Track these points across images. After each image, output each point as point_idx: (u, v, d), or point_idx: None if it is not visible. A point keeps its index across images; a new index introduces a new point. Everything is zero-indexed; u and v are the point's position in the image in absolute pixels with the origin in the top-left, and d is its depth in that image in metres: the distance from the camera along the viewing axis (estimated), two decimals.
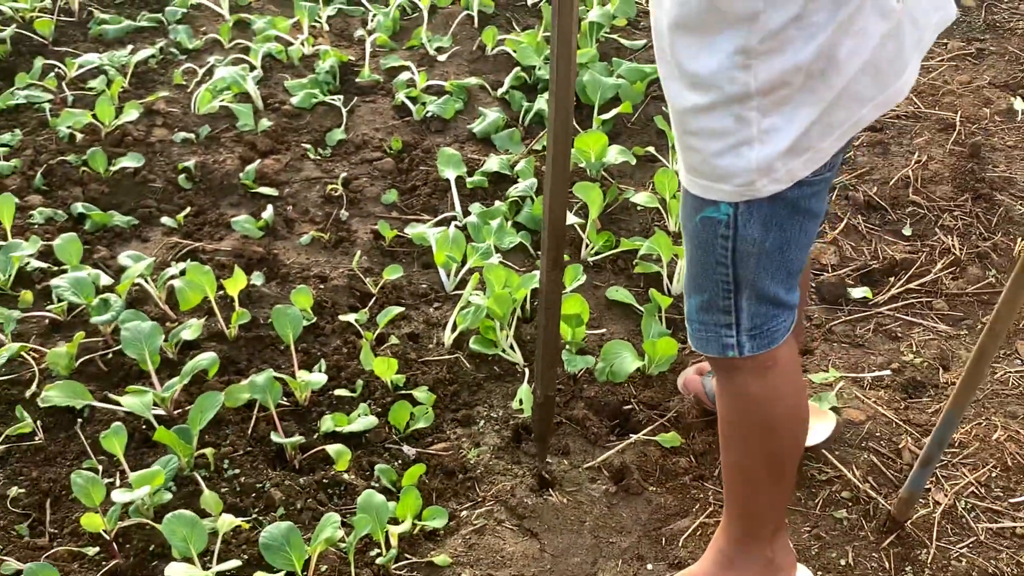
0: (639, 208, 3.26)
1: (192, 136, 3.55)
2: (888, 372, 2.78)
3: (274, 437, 2.47)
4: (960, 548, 2.33)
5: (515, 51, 3.91)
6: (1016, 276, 1.87)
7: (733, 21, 1.55)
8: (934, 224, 3.24)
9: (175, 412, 2.55)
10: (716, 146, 1.65)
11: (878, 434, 2.59)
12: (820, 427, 2.42)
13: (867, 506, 2.42)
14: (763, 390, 1.93)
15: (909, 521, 2.37)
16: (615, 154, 3.36)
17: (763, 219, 1.72)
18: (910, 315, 2.95)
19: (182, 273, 2.87)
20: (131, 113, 3.55)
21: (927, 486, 2.35)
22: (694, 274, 1.87)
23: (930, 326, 2.92)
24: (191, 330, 2.71)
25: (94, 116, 3.53)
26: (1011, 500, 2.44)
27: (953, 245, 3.16)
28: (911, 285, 3.04)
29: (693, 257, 1.84)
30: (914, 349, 2.84)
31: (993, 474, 2.50)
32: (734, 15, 1.54)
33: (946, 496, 2.44)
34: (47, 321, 2.82)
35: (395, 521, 2.26)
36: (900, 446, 2.56)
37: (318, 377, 2.60)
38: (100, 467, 2.41)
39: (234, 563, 2.13)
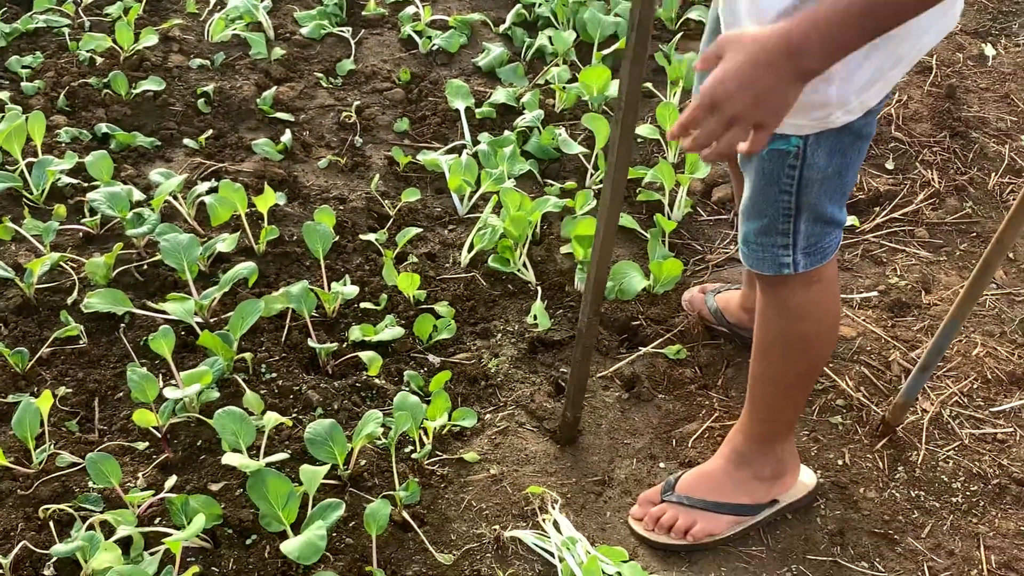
0: (640, 140, 3.33)
1: (207, 62, 3.56)
2: (875, 293, 2.88)
3: (310, 343, 2.53)
4: (947, 451, 2.45)
5: None
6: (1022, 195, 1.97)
7: None
8: (915, 159, 3.33)
9: (211, 320, 2.60)
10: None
11: (868, 348, 2.69)
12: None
13: (860, 412, 2.53)
14: (807, 303, 1.96)
15: (900, 426, 2.49)
16: (617, 88, 3.42)
17: (830, 148, 1.74)
18: (894, 242, 3.05)
19: (212, 191, 2.91)
20: (149, 39, 3.55)
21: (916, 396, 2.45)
22: (755, 202, 1.87)
23: (912, 252, 3.01)
24: (226, 243, 2.76)
25: (113, 40, 3.53)
26: (991, 409, 2.56)
27: (932, 178, 3.25)
28: (895, 215, 3.13)
29: (756, 187, 1.84)
30: (898, 273, 2.93)
31: (975, 386, 2.61)
32: None
33: (933, 405, 2.55)
34: (81, 234, 2.86)
35: (426, 421, 2.34)
36: (889, 359, 2.66)
37: (350, 289, 2.66)
38: (144, 368, 2.46)
39: (281, 455, 2.19)
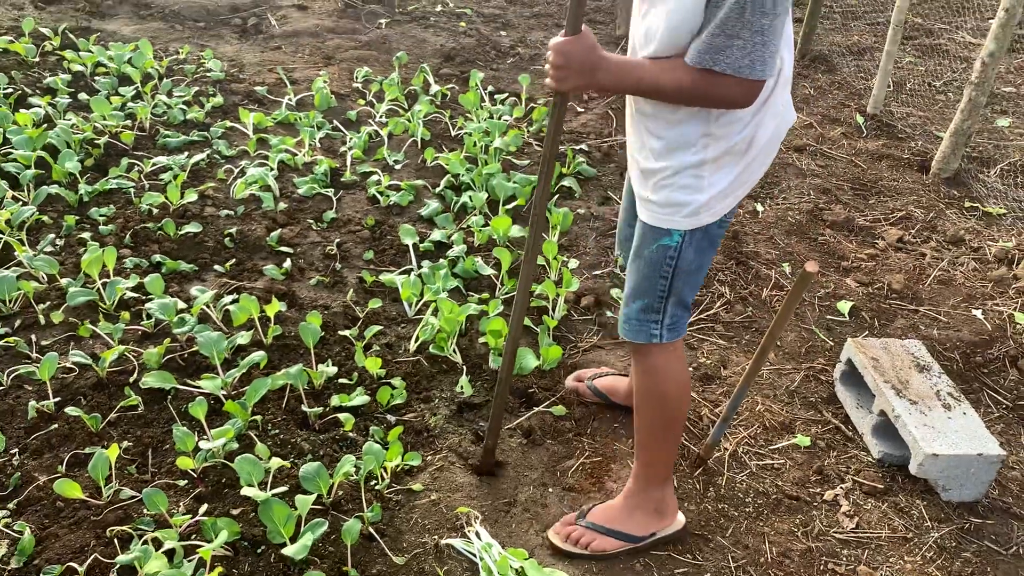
0: None
1: (232, 212, 3.55)
2: (689, 369, 2.94)
3: (303, 408, 2.50)
4: (741, 476, 2.49)
5: (446, 164, 4.00)
6: (786, 302, 2.05)
7: (702, 119, 1.71)
8: (713, 279, 3.43)
9: (233, 393, 2.56)
10: (679, 193, 1.77)
11: None
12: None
13: (683, 451, 2.55)
14: (665, 367, 1.98)
15: (710, 460, 2.53)
16: (516, 231, 3.49)
17: (696, 246, 1.82)
18: (701, 335, 3.12)
19: (234, 301, 2.88)
20: (190, 196, 3.53)
21: (720, 439, 2.51)
22: (640, 286, 1.91)
23: (714, 341, 3.08)
24: (244, 338, 2.73)
25: (166, 197, 3.51)
26: (770, 447, 2.61)
27: (725, 292, 3.36)
28: (701, 315, 3.20)
29: (642, 274, 1.89)
30: (705, 355, 3.00)
31: (758, 431, 2.66)
32: (704, 118, 1.71)
33: (731, 444, 2.60)
34: (140, 332, 2.80)
35: (386, 462, 2.31)
36: (701, 413, 2.70)
37: (331, 369, 2.64)
38: (185, 427, 2.41)
39: (282, 488, 2.15)
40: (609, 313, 3.18)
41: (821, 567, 2.21)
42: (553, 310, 3.12)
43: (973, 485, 2.42)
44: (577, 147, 4.41)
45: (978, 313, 3.29)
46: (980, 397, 2.88)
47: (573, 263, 3.38)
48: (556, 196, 3.95)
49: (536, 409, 2.66)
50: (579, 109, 4.95)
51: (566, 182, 4.02)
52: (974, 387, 2.92)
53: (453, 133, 4.46)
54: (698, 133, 1.73)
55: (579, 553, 2.16)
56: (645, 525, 2.18)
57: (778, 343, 3.10)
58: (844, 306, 3.29)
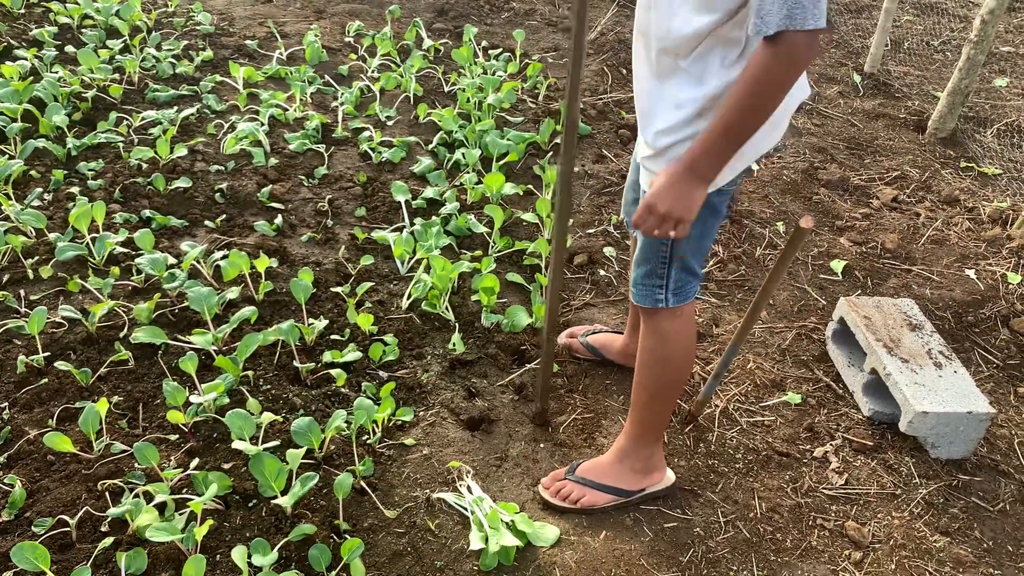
0: (525, 223, 3.36)
1: (223, 168, 3.50)
2: None
3: (295, 363, 2.49)
4: (731, 433, 2.50)
5: (439, 120, 3.95)
6: (780, 258, 2.03)
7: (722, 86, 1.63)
8: None
9: (224, 348, 2.54)
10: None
11: None
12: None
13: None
14: (671, 330, 1.97)
15: (701, 416, 2.54)
16: (509, 188, 3.46)
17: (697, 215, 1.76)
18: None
19: (224, 257, 2.85)
20: (180, 151, 3.48)
21: (711, 396, 2.51)
22: (643, 252, 1.90)
23: (706, 300, 3.08)
24: (234, 293, 2.70)
25: (155, 152, 3.46)
26: (760, 405, 2.62)
27: (719, 251, 3.34)
28: None
29: (645, 242, 1.87)
30: (697, 313, 3.00)
31: (749, 389, 2.66)
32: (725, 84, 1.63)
33: (722, 401, 2.60)
34: (130, 287, 2.77)
35: (377, 415, 2.31)
36: (692, 371, 2.72)
37: (322, 323, 2.63)
38: (175, 382, 2.40)
39: (274, 443, 2.15)
40: (602, 272, 3.16)
41: (810, 522, 2.22)
42: (546, 268, 3.10)
43: (962, 442, 2.43)
44: None
45: (971, 273, 3.28)
46: (971, 356, 2.88)
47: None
48: (550, 153, 3.91)
49: (528, 366, 2.66)
50: None
51: (560, 140, 3.96)
52: (965, 346, 2.93)
53: (446, 89, 4.40)
54: (715, 100, 1.64)
55: (568, 507, 2.17)
56: (635, 480, 2.19)
57: (771, 301, 3.09)
58: (837, 265, 3.28)
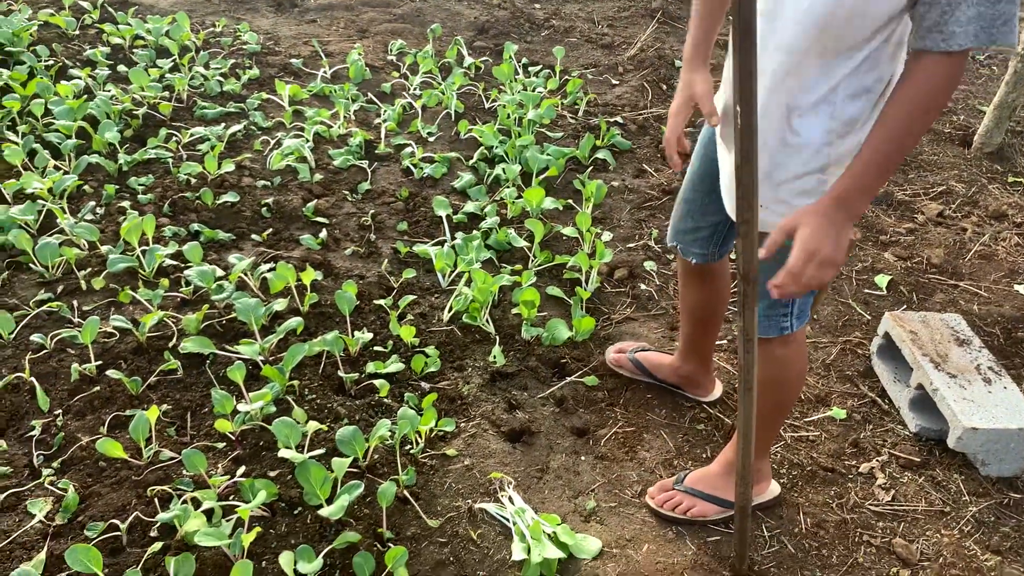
0: (565, 237, 3.37)
1: (269, 183, 3.56)
2: (725, 341, 2.92)
3: (339, 374, 2.52)
4: (776, 447, 2.47)
5: (480, 136, 3.99)
6: None
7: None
8: None
9: (271, 358, 2.58)
10: (804, 199, 1.62)
11: (721, 378, 2.73)
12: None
13: (717, 422, 2.54)
14: (787, 355, 1.93)
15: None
16: (549, 203, 3.47)
17: None
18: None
19: (271, 269, 2.90)
20: (228, 167, 3.55)
21: None
22: (765, 286, 1.74)
23: None
24: (280, 305, 2.74)
25: (203, 167, 3.53)
26: (805, 420, 2.59)
27: None
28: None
29: (769, 274, 1.69)
30: None
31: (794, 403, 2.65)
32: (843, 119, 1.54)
33: None
34: (179, 299, 2.83)
35: (420, 427, 2.32)
36: (735, 384, 2.69)
37: (367, 335, 2.66)
38: (223, 391, 2.43)
39: (319, 451, 2.18)
40: (643, 286, 3.16)
41: (856, 538, 2.19)
42: (586, 282, 3.11)
43: (1013, 460, 2.38)
44: (611, 119, 4.37)
45: (1021, 288, 3.22)
46: (1022, 372, 2.82)
47: (607, 235, 3.36)
48: (590, 168, 3.92)
49: (569, 379, 2.66)
50: (614, 82, 4.89)
51: (600, 154, 3.98)
52: (1015, 362, 2.87)
53: (487, 105, 4.44)
54: (871, 104, 1.53)
55: (679, 518, 2.16)
56: None
57: (815, 316, 3.06)
58: (882, 280, 3.24)
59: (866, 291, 3.21)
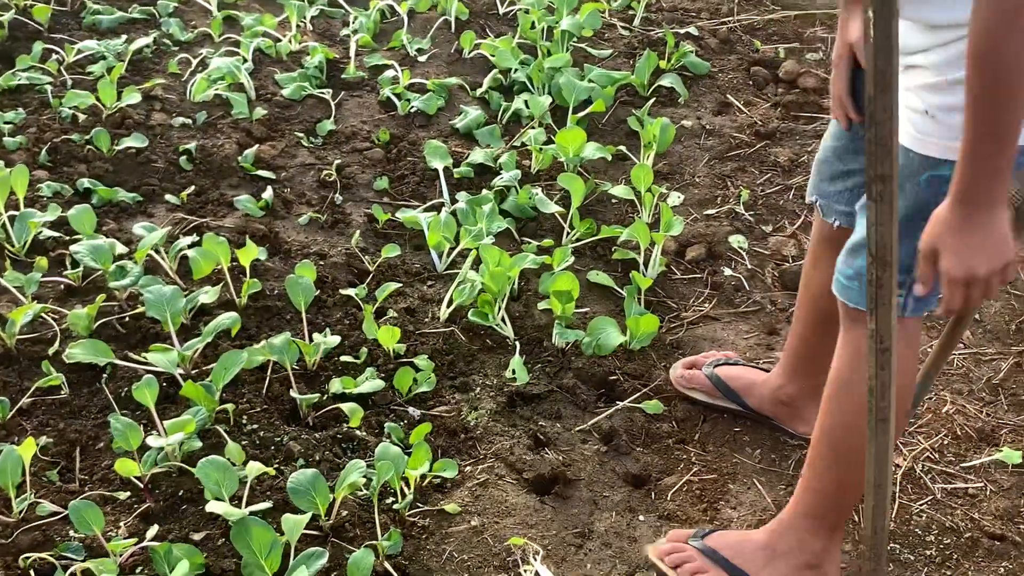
0: (614, 200, 3.37)
1: (189, 121, 3.58)
2: None
3: (292, 394, 2.52)
4: (920, 505, 2.46)
5: (492, 55, 3.99)
6: None
7: None
8: None
9: (193, 371, 2.59)
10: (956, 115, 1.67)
11: None
12: None
13: None
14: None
15: None
16: (592, 150, 3.47)
17: None
18: None
19: (193, 245, 2.91)
20: (131, 97, 3.57)
21: None
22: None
23: None
24: (208, 295, 2.75)
25: (96, 98, 3.55)
26: (962, 465, 2.58)
27: None
28: None
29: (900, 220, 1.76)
30: None
31: (945, 442, 2.62)
32: None
33: (906, 460, 2.57)
34: (63, 286, 2.84)
35: (408, 471, 2.32)
36: None
37: (331, 339, 2.66)
38: (126, 419, 2.44)
39: (264, 504, 2.18)
40: (727, 271, 3.16)
41: None
42: (646, 265, 3.11)
43: None
44: (682, 31, 4.36)
45: None
46: None
47: (675, 198, 3.35)
48: (651, 101, 3.91)
49: (620, 404, 2.66)
50: None
51: (666, 81, 3.98)
52: None
53: (502, 10, 4.46)
54: None
55: None
56: None
57: (977, 316, 3.05)
58: None
59: None
